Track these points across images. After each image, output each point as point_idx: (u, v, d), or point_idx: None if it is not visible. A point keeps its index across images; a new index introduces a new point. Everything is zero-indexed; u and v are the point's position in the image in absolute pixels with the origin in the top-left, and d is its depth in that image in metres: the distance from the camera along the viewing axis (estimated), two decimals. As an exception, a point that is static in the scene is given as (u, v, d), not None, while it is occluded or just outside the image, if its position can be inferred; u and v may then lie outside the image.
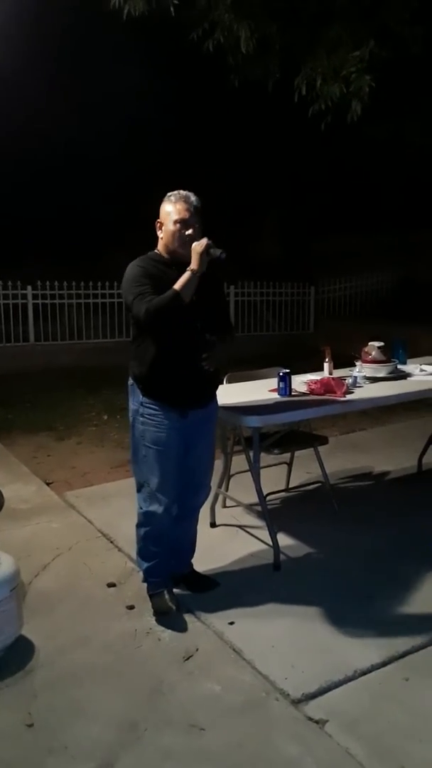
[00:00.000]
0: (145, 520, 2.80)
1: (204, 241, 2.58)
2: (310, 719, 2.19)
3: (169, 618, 2.74)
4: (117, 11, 5.45)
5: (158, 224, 2.71)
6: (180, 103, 12.42)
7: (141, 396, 2.71)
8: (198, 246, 2.56)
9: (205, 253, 2.56)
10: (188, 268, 2.55)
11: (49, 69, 11.39)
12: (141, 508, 2.81)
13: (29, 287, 9.34)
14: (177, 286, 2.53)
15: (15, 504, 3.97)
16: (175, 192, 2.68)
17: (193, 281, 2.55)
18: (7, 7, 6.53)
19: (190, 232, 2.61)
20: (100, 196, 13.28)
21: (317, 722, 2.17)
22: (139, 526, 2.85)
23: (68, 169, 13.48)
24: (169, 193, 2.69)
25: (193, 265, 2.56)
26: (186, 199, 2.65)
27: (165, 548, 2.85)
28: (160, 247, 2.72)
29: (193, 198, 2.66)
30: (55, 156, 13.13)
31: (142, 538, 2.84)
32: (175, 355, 2.65)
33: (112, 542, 3.50)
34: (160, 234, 2.71)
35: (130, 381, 2.78)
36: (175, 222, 2.62)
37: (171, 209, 2.64)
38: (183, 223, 2.62)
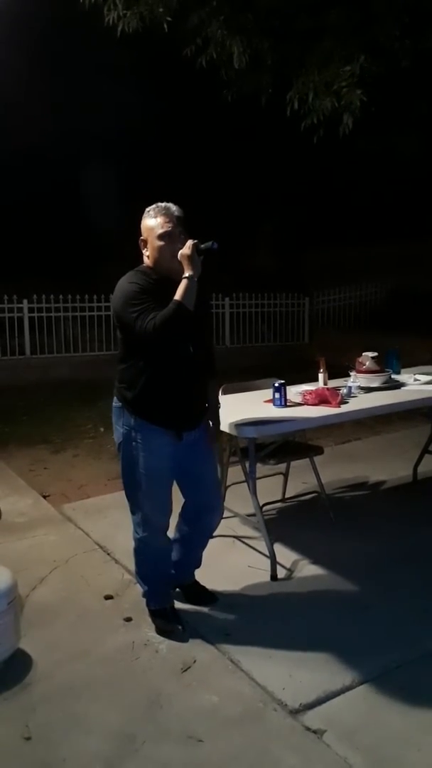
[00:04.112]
0: (144, 547, 2.77)
1: (189, 242, 2.47)
2: (308, 729, 2.19)
3: (174, 636, 2.72)
4: (111, 28, 5.53)
5: (142, 242, 2.61)
6: (174, 117, 12.54)
7: (132, 420, 2.61)
8: (186, 249, 2.46)
9: (194, 254, 2.46)
10: (183, 276, 2.46)
11: (45, 86, 11.50)
12: (137, 534, 2.76)
13: (25, 301, 9.38)
14: (177, 296, 2.42)
15: (12, 517, 3.97)
16: (154, 206, 2.58)
17: (192, 287, 2.44)
18: (4, 22, 6.61)
19: (177, 244, 2.51)
20: (95, 210, 13.35)
21: (315, 732, 2.17)
22: (137, 551, 2.81)
23: (64, 183, 13.56)
24: (147, 209, 2.60)
25: (187, 271, 2.45)
26: (167, 212, 2.55)
27: (164, 569, 2.84)
28: (148, 263, 2.61)
29: (174, 208, 2.57)
30: (52, 171, 13.22)
31: (141, 562, 2.82)
32: (167, 378, 2.58)
33: (109, 554, 3.50)
34: (145, 252, 2.61)
35: (117, 403, 2.68)
36: (160, 236, 2.53)
37: (153, 224, 2.55)
38: (168, 236, 2.53)
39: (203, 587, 3.05)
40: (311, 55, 5.57)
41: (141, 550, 2.79)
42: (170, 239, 2.53)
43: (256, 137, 12.32)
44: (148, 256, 2.62)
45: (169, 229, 2.54)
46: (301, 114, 5.75)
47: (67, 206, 13.73)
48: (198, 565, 3.03)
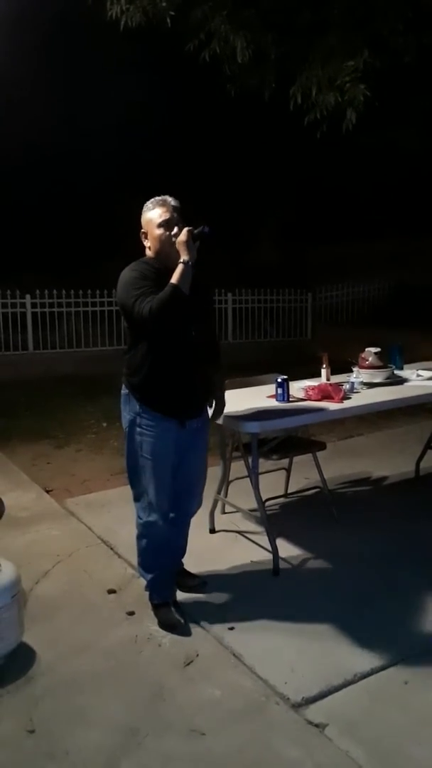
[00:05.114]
0: (146, 531, 2.79)
1: (184, 229, 2.57)
2: (311, 723, 2.20)
3: (176, 630, 2.74)
4: (114, 22, 5.52)
5: (143, 234, 2.71)
6: (177, 112, 12.52)
7: (138, 406, 2.70)
8: (182, 236, 2.55)
9: (190, 241, 2.54)
10: (180, 261, 2.55)
11: (47, 80, 11.48)
12: (140, 519, 2.80)
13: (28, 296, 9.39)
14: (173, 279, 2.51)
15: (15, 512, 3.99)
16: (152, 199, 2.70)
17: (187, 272, 2.53)
18: (8, 16, 6.60)
19: (175, 231, 2.60)
20: (97, 205, 13.35)
21: (317, 726, 2.18)
22: (139, 537, 2.84)
23: (66, 178, 13.56)
24: (146, 203, 2.71)
25: (183, 256, 2.54)
26: (164, 202, 2.66)
27: (167, 557, 2.86)
28: (150, 254, 2.71)
29: (170, 199, 2.68)
30: (53, 166, 13.20)
31: (144, 549, 2.84)
32: (170, 364, 2.65)
33: (111, 549, 3.51)
34: (146, 243, 2.71)
35: (125, 390, 2.77)
36: (159, 225, 2.63)
37: (153, 215, 2.66)
38: (167, 223, 2.62)
39: (193, 574, 3.10)
40: (314, 49, 5.56)
41: (144, 535, 2.81)
42: (168, 227, 2.63)
43: (259, 132, 12.28)
44: (149, 247, 2.71)
45: (168, 217, 2.63)
46: (304, 109, 5.74)
47: (70, 201, 13.72)
48: (183, 553, 3.06)
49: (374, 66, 5.31)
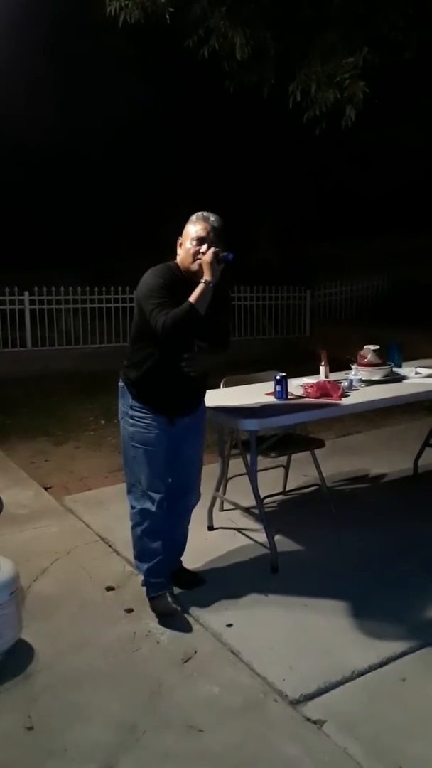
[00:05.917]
0: (140, 518, 2.83)
1: (211, 250, 2.65)
2: (309, 720, 2.20)
3: (173, 620, 2.76)
4: (113, 18, 5.50)
5: (179, 242, 2.79)
6: (176, 109, 12.48)
7: (131, 399, 2.79)
8: (207, 256, 2.64)
9: (215, 262, 2.64)
10: (202, 280, 2.63)
11: (46, 77, 11.43)
12: (134, 507, 2.85)
13: (26, 293, 9.36)
14: (192, 298, 2.60)
15: (13, 509, 3.98)
16: (198, 213, 2.76)
17: (207, 293, 2.62)
18: (6, 15, 6.58)
19: (204, 248, 2.67)
20: (96, 202, 13.32)
21: (315, 723, 2.19)
22: (134, 526, 2.87)
23: (64, 175, 13.52)
24: (193, 215, 2.77)
25: (206, 276, 2.63)
26: (206, 219, 2.73)
27: (163, 545, 2.87)
28: (178, 261, 2.78)
29: (213, 218, 2.74)
30: (52, 162, 13.16)
31: (139, 538, 2.86)
32: (167, 365, 2.72)
33: (110, 546, 3.51)
34: (179, 251, 2.78)
35: (121, 383, 2.85)
36: (192, 240, 2.70)
37: (191, 229, 2.73)
38: (199, 240, 2.69)
39: (191, 572, 3.13)
40: (314, 46, 5.54)
41: (138, 523, 2.84)
42: (199, 244, 2.69)
43: (258, 129, 12.24)
44: (179, 254, 2.78)
45: (203, 235, 2.70)
46: (303, 106, 5.72)
47: (68, 199, 13.68)
48: (182, 550, 3.09)
49: (374, 63, 5.29)
